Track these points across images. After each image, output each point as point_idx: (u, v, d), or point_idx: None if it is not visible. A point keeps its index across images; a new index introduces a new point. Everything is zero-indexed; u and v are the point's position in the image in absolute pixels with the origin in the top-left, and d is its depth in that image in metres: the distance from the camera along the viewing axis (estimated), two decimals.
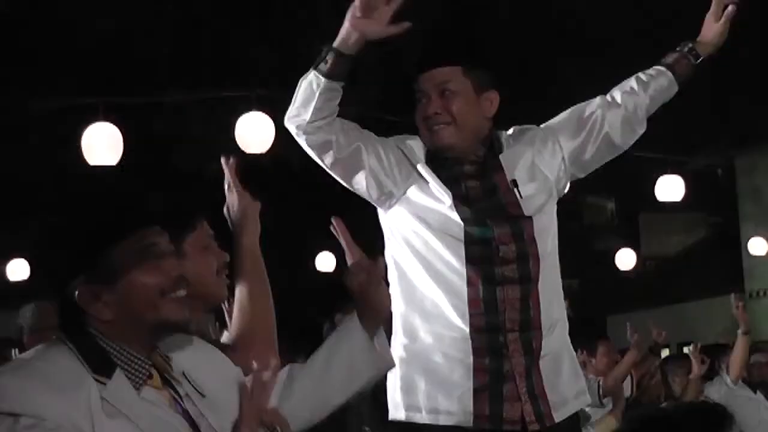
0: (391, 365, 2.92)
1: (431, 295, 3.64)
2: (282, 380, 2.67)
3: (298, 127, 3.56)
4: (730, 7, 3.94)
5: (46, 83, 13.27)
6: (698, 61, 3.96)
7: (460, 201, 3.65)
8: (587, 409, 7.91)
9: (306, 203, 15.20)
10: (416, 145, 3.76)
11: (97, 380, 2.31)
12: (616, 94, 3.93)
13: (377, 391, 3.75)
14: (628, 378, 8.33)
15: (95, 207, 2.49)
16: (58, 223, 2.50)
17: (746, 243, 17.53)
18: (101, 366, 2.34)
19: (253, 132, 8.92)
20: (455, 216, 3.63)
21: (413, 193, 3.69)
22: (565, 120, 3.92)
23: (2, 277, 14.16)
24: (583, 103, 3.94)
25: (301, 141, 3.60)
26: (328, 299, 4.85)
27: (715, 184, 19.84)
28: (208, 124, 12.92)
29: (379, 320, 2.84)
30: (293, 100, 3.56)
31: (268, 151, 9.09)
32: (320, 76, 3.46)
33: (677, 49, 3.98)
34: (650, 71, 3.97)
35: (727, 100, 15.44)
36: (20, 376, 2.31)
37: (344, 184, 3.73)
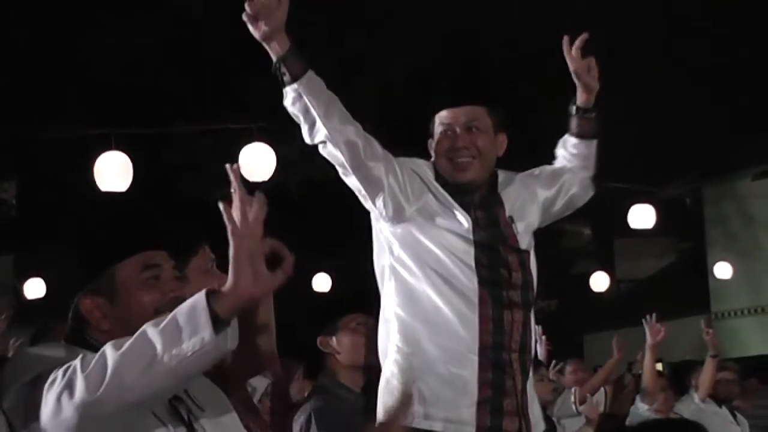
0: None
1: (440, 309, 3.60)
2: None
3: (322, 136, 3.47)
4: (588, 60, 3.92)
5: (62, 116, 13.28)
6: (593, 113, 3.99)
7: (476, 226, 3.65)
8: (565, 422, 7.90)
9: (304, 228, 15.19)
10: (428, 168, 3.77)
11: None
12: (568, 164, 4.04)
13: (369, 410, 3.71)
14: (603, 394, 8.31)
15: (105, 228, 2.51)
16: (73, 239, 2.51)
17: (712, 267, 17.54)
18: None
19: (256, 161, 8.92)
20: (471, 240, 3.64)
21: (428, 213, 3.67)
22: (541, 173, 4.02)
23: (20, 296, 14.12)
24: (551, 166, 4.06)
25: (330, 149, 3.50)
26: (325, 318, 4.81)
27: (684, 212, 19.82)
28: (212, 154, 12.91)
29: None
30: (300, 124, 3.49)
31: (270, 179, 9.09)
32: (293, 85, 3.40)
33: (572, 114, 4.01)
34: (570, 146, 4.04)
35: (695, 135, 15.48)
36: (50, 346, 2.36)
37: (361, 192, 3.64)
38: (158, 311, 2.39)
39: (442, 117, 3.81)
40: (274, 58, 3.38)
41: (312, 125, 3.47)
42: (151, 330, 2.15)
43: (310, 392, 4.87)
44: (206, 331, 2.12)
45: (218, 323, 2.14)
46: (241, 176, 2.33)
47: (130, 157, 8.85)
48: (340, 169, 3.60)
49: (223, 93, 14.60)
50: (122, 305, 2.39)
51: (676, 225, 19.74)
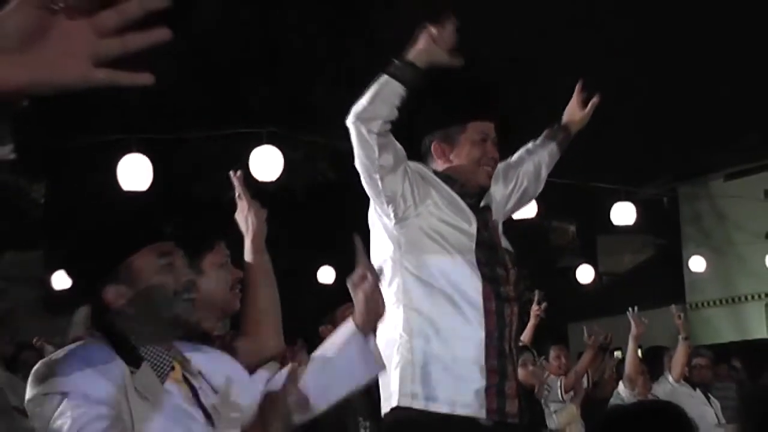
0: (383, 367, 2.86)
1: (448, 303, 3.61)
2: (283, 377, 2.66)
3: (371, 126, 3.46)
4: (595, 98, 4.16)
5: (89, 122, 13.32)
6: (571, 136, 4.21)
7: (479, 227, 3.70)
8: (552, 405, 7.93)
9: (308, 224, 15.19)
10: (426, 170, 3.78)
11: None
12: (525, 155, 4.13)
13: (370, 386, 3.73)
14: (585, 375, 8.35)
15: (123, 223, 2.55)
16: (91, 235, 2.55)
17: (687, 261, 17.58)
18: (130, 358, 2.37)
19: (265, 163, 8.92)
20: (474, 239, 3.67)
21: (435, 213, 3.66)
22: (498, 176, 4.00)
23: (49, 286, 14.14)
24: (506, 162, 4.08)
25: (372, 139, 3.48)
26: (329, 307, 4.84)
27: (662, 211, 19.86)
28: (225, 157, 12.93)
29: (374, 326, 2.78)
30: (370, 102, 3.45)
31: (277, 180, 9.11)
32: (402, 86, 3.43)
33: (554, 127, 4.19)
34: (541, 141, 4.17)
35: (672, 140, 15.51)
36: (68, 362, 2.34)
37: (378, 187, 3.60)
38: (176, 293, 2.44)
39: (479, 126, 3.83)
40: (415, 61, 3.43)
41: (373, 117, 3.45)
42: None
43: None
44: None
45: None
46: (251, 177, 2.37)
47: (150, 160, 8.90)
48: (366, 167, 3.56)
49: (234, 100, 14.62)
50: (143, 291, 2.43)
51: (654, 222, 19.80)
